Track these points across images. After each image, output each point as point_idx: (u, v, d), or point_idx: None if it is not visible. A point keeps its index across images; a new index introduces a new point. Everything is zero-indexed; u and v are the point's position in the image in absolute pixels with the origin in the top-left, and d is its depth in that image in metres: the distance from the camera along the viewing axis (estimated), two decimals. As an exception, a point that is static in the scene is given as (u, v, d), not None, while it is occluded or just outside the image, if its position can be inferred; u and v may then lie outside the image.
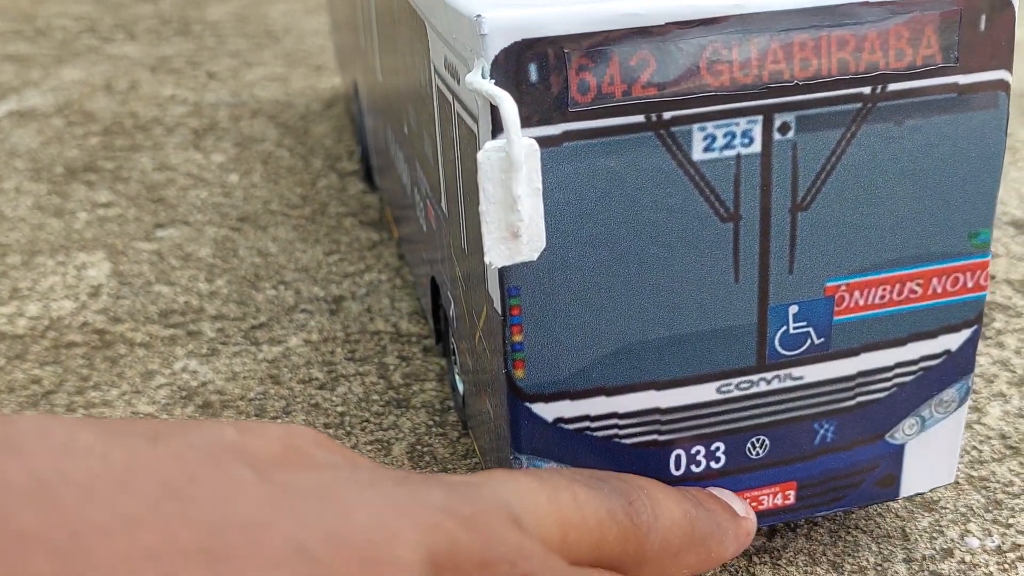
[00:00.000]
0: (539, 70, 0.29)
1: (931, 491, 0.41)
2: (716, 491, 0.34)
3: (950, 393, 0.36)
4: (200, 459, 0.22)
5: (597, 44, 0.29)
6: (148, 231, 0.70)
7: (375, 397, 0.50)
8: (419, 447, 0.46)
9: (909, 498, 0.41)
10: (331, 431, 0.47)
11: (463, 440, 0.46)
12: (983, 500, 0.41)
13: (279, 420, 0.48)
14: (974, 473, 0.43)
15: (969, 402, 0.48)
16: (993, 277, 0.60)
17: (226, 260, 0.65)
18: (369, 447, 0.46)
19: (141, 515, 0.20)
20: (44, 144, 0.89)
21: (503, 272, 0.31)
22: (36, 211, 0.75)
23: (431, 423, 0.48)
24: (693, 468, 0.35)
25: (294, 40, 1.25)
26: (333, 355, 0.54)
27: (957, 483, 0.42)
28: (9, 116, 0.98)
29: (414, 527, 0.23)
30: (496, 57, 0.28)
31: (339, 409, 0.49)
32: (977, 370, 0.51)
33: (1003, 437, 0.45)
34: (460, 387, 0.46)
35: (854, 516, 0.41)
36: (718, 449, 0.35)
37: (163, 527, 0.20)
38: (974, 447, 0.45)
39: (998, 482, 0.42)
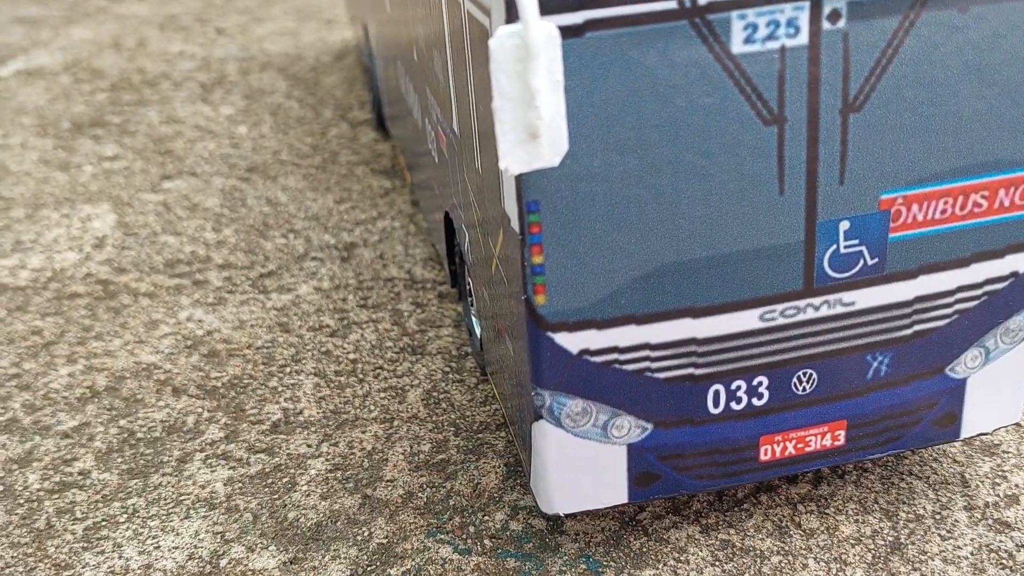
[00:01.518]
0: (558, -51, 0.25)
1: (993, 432, 0.38)
2: None
3: (1017, 321, 0.33)
4: None
5: (623, -81, 0.25)
6: (155, 183, 0.68)
7: (389, 344, 0.47)
8: (435, 393, 0.43)
9: (967, 441, 0.38)
10: (343, 378, 0.44)
11: (482, 386, 0.43)
12: (1048, 442, 0.38)
13: (288, 368, 0.45)
14: (1037, 414, 0.40)
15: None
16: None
17: (234, 210, 0.63)
18: (383, 394, 0.43)
19: None
20: (51, 101, 0.87)
21: (521, 185, 0.28)
22: (41, 165, 0.72)
23: (447, 369, 0.45)
24: (733, 405, 0.32)
25: (306, -4, 1.21)
26: (345, 302, 0.51)
27: (1019, 425, 0.39)
28: (16, 75, 0.95)
29: None
30: (509, -66, 0.25)
31: (351, 356, 0.46)
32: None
33: (1067, 376, 0.42)
34: (477, 330, 0.43)
35: (907, 461, 0.37)
36: (760, 384, 0.32)
37: None
38: (1036, 387, 0.41)
39: (1064, 423, 0.39)
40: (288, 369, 0.45)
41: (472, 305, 0.43)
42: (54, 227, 0.62)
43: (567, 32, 0.26)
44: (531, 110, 0.25)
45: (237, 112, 0.81)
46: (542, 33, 0.24)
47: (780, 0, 0.27)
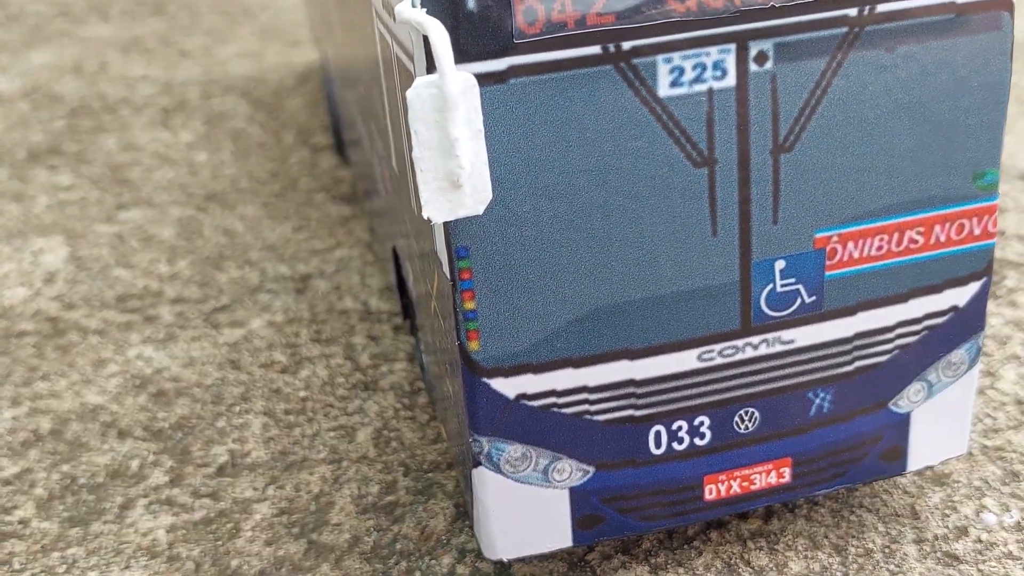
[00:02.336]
0: (478, -4, 0.25)
1: (942, 464, 0.38)
2: None
3: (959, 354, 0.33)
4: None
5: (544, -36, 0.25)
6: (110, 213, 0.67)
7: (340, 380, 0.46)
8: (385, 432, 0.42)
9: (918, 472, 0.38)
10: (292, 417, 0.44)
11: (433, 423, 0.43)
12: (999, 472, 0.38)
13: (236, 407, 0.45)
14: (988, 443, 0.39)
15: (980, 365, 0.44)
16: (1003, 233, 0.56)
17: (189, 241, 0.62)
18: (332, 433, 0.43)
19: None
20: (8, 129, 0.86)
21: (450, 231, 0.27)
22: (-6, 197, 0.71)
23: (399, 406, 0.44)
24: (675, 445, 0.31)
25: (271, 16, 1.21)
26: (298, 336, 0.50)
27: (970, 454, 0.39)
28: (-26, 102, 0.94)
29: None
30: (426, -19, 0.25)
31: (301, 394, 0.46)
32: (989, 331, 0.47)
33: (1019, 403, 0.42)
34: (426, 366, 0.42)
35: (858, 494, 0.37)
36: (702, 424, 0.31)
37: None
38: (987, 414, 0.41)
39: (1015, 451, 0.39)
40: (237, 408, 0.45)
41: (421, 342, 0.43)
42: (5, 262, 0.61)
43: (490, 79, 0.26)
44: (452, 159, 0.25)
45: (197, 138, 0.80)
46: (459, 83, 0.24)
47: (706, 43, 0.27)
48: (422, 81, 0.24)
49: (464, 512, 0.38)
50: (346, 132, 0.68)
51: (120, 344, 0.51)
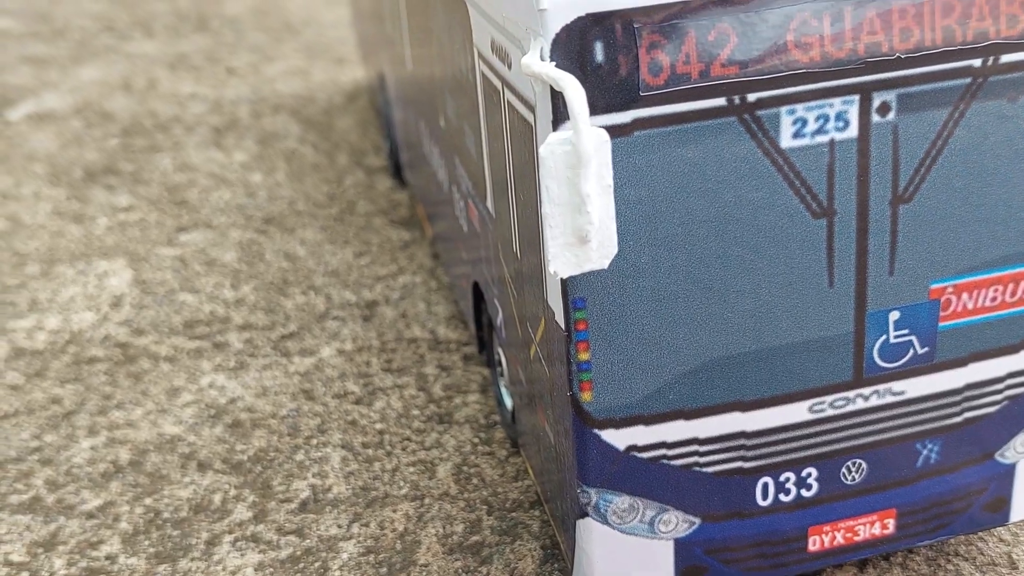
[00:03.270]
0: (606, 49, 0.25)
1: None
2: None
3: (1069, 404, 0.32)
4: None
5: (671, 17, 0.25)
6: (170, 235, 0.67)
7: (415, 412, 0.46)
8: (465, 468, 0.42)
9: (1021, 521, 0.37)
10: (370, 451, 0.44)
11: (512, 459, 0.43)
12: (1096, 518, 0.37)
13: (314, 440, 0.45)
14: (1082, 487, 0.39)
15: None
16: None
17: (252, 265, 0.62)
18: (412, 468, 0.42)
19: None
20: (63, 147, 0.86)
21: (567, 282, 0.27)
22: (55, 217, 0.72)
23: (476, 440, 0.44)
24: (782, 497, 0.31)
25: (314, 32, 1.21)
26: (369, 366, 0.50)
27: (1064, 499, 0.38)
28: (27, 119, 0.95)
29: None
30: (557, 35, 0.25)
31: (378, 427, 0.45)
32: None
33: (1110, 445, 0.41)
34: (508, 402, 0.42)
35: (953, 542, 0.37)
36: (810, 475, 0.31)
37: None
38: (1079, 457, 0.40)
39: (1111, 497, 0.38)
40: (314, 441, 0.45)
41: (502, 375, 0.42)
42: (70, 284, 0.61)
43: (615, 131, 0.26)
44: (582, 215, 0.24)
45: (251, 158, 0.81)
46: (594, 139, 0.24)
47: (829, 94, 0.27)
48: (555, 138, 0.24)
49: (553, 554, 0.37)
50: (404, 154, 0.68)
51: (192, 372, 0.51)
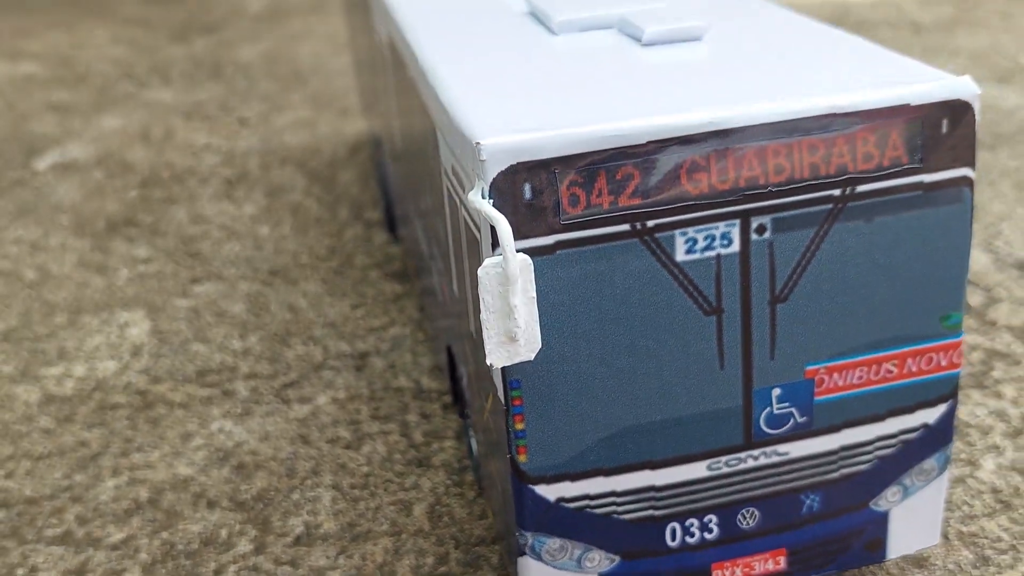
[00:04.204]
0: (533, 189, 0.32)
1: (920, 551, 0.43)
2: None
3: (930, 463, 0.39)
4: None
5: (585, 164, 0.32)
6: (185, 287, 0.74)
7: (397, 456, 0.53)
8: (438, 507, 0.49)
9: (900, 557, 0.43)
10: (356, 491, 0.50)
11: (479, 500, 0.49)
12: (972, 556, 0.43)
13: (308, 481, 0.51)
14: (964, 528, 0.45)
15: (963, 455, 0.50)
16: (994, 323, 0.62)
17: (258, 316, 0.69)
18: (392, 507, 0.49)
19: None
20: (86, 198, 0.94)
21: (505, 367, 0.34)
22: (80, 268, 0.79)
23: (449, 483, 0.51)
24: (688, 539, 0.37)
25: (321, 81, 1.29)
26: (359, 413, 0.57)
27: (947, 539, 0.45)
28: (53, 168, 1.03)
29: None
30: (495, 179, 0.31)
31: (364, 469, 0.52)
32: (973, 421, 0.53)
33: (995, 491, 0.47)
34: (474, 448, 0.49)
35: (848, 575, 0.43)
36: (711, 521, 0.37)
37: None
38: (966, 502, 0.47)
39: (987, 538, 0.44)
40: (308, 482, 0.51)
41: (471, 427, 0.49)
42: (95, 334, 0.68)
43: (542, 251, 0.32)
44: (510, 320, 0.31)
45: (259, 211, 0.88)
46: (518, 263, 0.31)
47: (715, 219, 0.33)
48: (490, 262, 0.31)
49: (508, 583, 0.44)
50: (397, 209, 0.75)
51: (203, 418, 0.58)
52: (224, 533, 0.48)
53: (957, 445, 0.51)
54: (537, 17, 0.47)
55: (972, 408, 0.54)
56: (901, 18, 1.45)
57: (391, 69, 0.57)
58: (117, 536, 0.49)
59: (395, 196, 0.74)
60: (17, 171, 1.03)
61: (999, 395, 0.55)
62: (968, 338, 0.61)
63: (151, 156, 1.04)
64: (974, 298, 0.65)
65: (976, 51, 1.25)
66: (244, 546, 0.47)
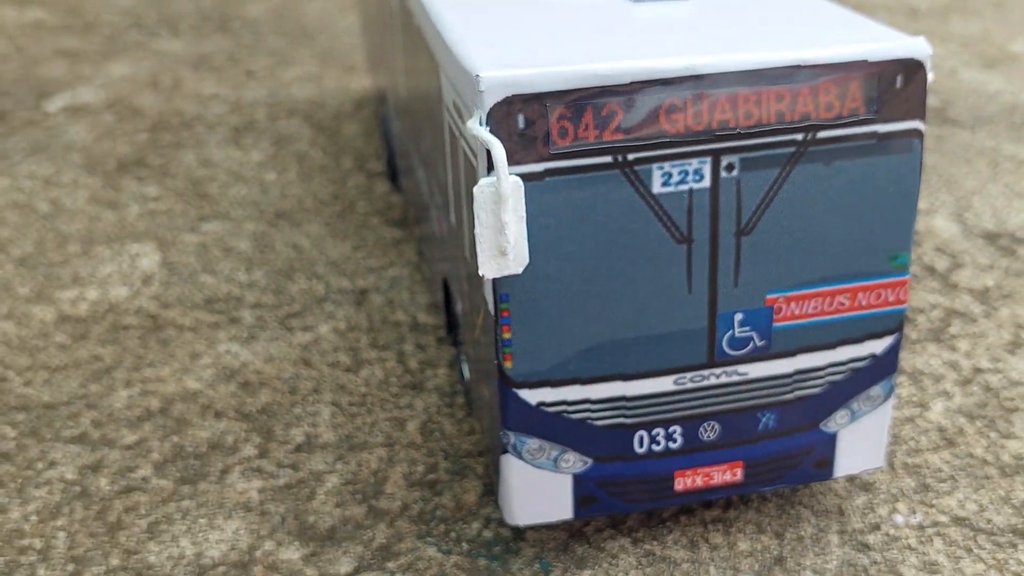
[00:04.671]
0: (526, 120, 0.35)
1: (868, 474, 0.47)
2: None
3: (876, 390, 0.43)
4: None
5: (574, 99, 0.35)
6: (193, 224, 0.78)
7: (393, 380, 0.57)
8: (430, 424, 0.53)
9: (849, 480, 0.48)
10: (354, 408, 0.54)
11: (468, 420, 0.53)
12: (914, 484, 0.48)
13: (309, 398, 0.55)
14: (909, 460, 0.49)
15: (914, 398, 0.54)
16: (955, 286, 0.66)
17: (263, 253, 0.73)
18: (387, 423, 0.53)
19: None
20: (97, 139, 0.97)
21: (495, 281, 0.38)
22: (92, 203, 0.82)
23: (441, 404, 0.55)
24: (654, 447, 0.41)
25: (328, 39, 1.32)
26: (358, 342, 0.61)
27: (893, 468, 0.49)
28: (64, 111, 1.06)
29: None
30: (491, 109, 0.35)
31: (362, 390, 0.56)
32: (927, 370, 0.57)
33: (940, 430, 0.52)
34: (466, 374, 0.53)
35: (799, 493, 0.47)
36: (675, 432, 0.41)
37: None
38: (912, 438, 0.51)
39: (929, 468, 0.49)
40: (310, 399, 0.55)
41: (463, 354, 0.53)
42: (107, 263, 0.72)
43: (532, 177, 0.36)
44: (502, 236, 0.35)
45: (266, 158, 0.91)
46: (510, 184, 0.34)
47: (689, 156, 0.37)
48: (485, 182, 0.34)
49: (490, 490, 0.48)
50: (399, 162, 0.79)
51: (210, 340, 0.62)
52: (230, 439, 0.52)
53: (909, 389, 0.55)
54: (538, -27, 0.50)
55: (927, 359, 0.58)
56: (899, 3, 1.48)
57: (399, 25, 0.61)
58: (130, 438, 0.52)
59: (397, 149, 0.78)
60: (29, 112, 1.06)
61: (953, 348, 0.59)
62: (930, 297, 0.65)
63: (160, 103, 1.08)
64: (940, 263, 0.69)
65: (967, 37, 1.28)
66: (249, 451, 0.51)
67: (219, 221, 0.78)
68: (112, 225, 0.78)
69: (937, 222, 0.76)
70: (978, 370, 0.57)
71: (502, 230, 0.35)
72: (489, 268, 0.35)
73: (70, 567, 0.44)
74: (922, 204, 0.79)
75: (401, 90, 0.67)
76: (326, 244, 0.74)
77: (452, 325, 0.56)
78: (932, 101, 1.04)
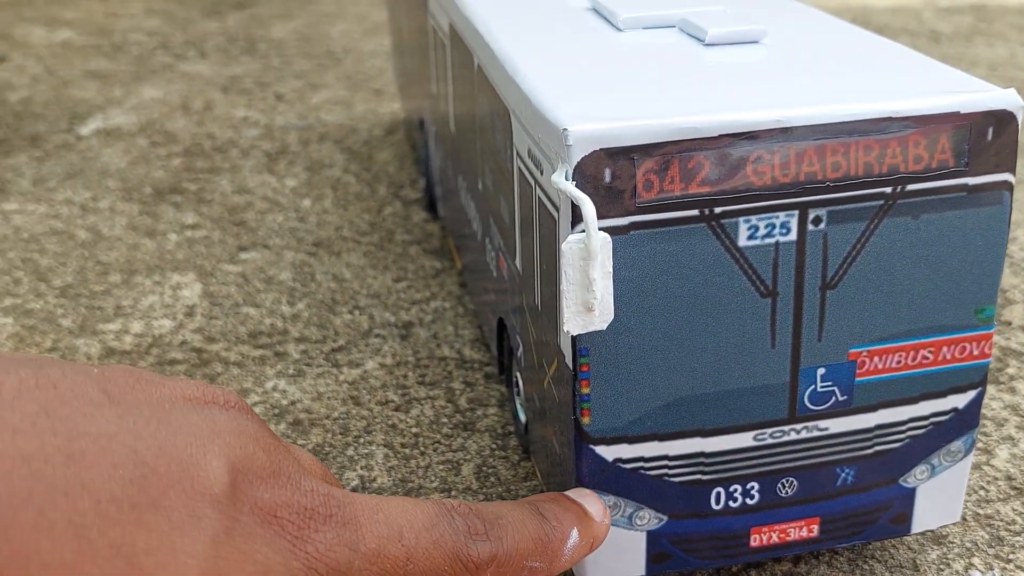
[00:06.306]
0: (613, 174, 0.35)
1: (940, 528, 0.46)
2: (576, 493, 0.39)
3: (957, 444, 0.42)
4: (70, 386, 0.28)
5: (661, 153, 0.35)
6: (232, 253, 0.77)
7: (444, 420, 0.56)
8: (485, 468, 0.52)
9: (921, 533, 0.47)
10: (407, 450, 0.53)
11: (523, 463, 0.52)
12: (987, 536, 0.47)
13: (361, 439, 0.55)
14: (980, 511, 0.48)
15: (979, 444, 0.53)
16: (1009, 324, 0.65)
17: (305, 284, 0.72)
18: (441, 466, 0.52)
19: (21, 426, 0.26)
20: (131, 164, 0.96)
21: (576, 335, 0.37)
22: (131, 231, 0.82)
23: (494, 446, 0.54)
24: (731, 503, 0.40)
25: (354, 62, 1.32)
26: (406, 379, 0.60)
27: (964, 520, 0.48)
28: (97, 134, 1.05)
29: (223, 444, 0.30)
30: (579, 163, 0.34)
31: (414, 430, 0.55)
32: (988, 414, 0.56)
33: (1009, 478, 0.50)
34: (522, 416, 0.52)
35: (870, 547, 0.46)
36: (753, 488, 0.40)
37: (36, 436, 0.26)
38: (982, 487, 0.50)
39: (1002, 520, 0.48)
40: (362, 440, 0.54)
41: (519, 395, 0.52)
42: (148, 294, 0.71)
43: (618, 230, 0.35)
44: (589, 292, 0.34)
45: (300, 184, 0.91)
46: (600, 241, 0.34)
47: (776, 209, 0.36)
48: (573, 238, 0.34)
49: (553, 540, 0.47)
50: (439, 189, 0.78)
51: (258, 377, 0.61)
52: (285, 483, 0.51)
53: (974, 435, 0.54)
54: (600, 14, 0.50)
55: (988, 401, 0.57)
56: (921, 27, 1.47)
57: (450, 55, 0.60)
58: (184, 482, 0.52)
59: (438, 176, 0.77)
60: (62, 135, 1.05)
61: (1013, 390, 0.58)
62: (986, 336, 0.64)
63: (192, 126, 1.07)
64: (992, 299, 0.68)
65: (994, 62, 1.27)
66: (304, 496, 0.50)
67: (258, 250, 0.78)
68: (151, 254, 0.77)
69: (986, 257, 0.75)
70: (1041, 414, 0.56)
71: (589, 287, 0.34)
72: (575, 324, 0.35)
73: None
74: (969, 237, 0.78)
75: (446, 120, 0.66)
76: (367, 275, 0.73)
77: (505, 365, 0.55)
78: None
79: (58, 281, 0.73)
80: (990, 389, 0.58)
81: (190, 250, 0.78)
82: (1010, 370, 0.60)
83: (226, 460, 0.29)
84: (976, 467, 0.51)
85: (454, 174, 0.66)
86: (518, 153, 0.42)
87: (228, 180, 0.92)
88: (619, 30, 0.47)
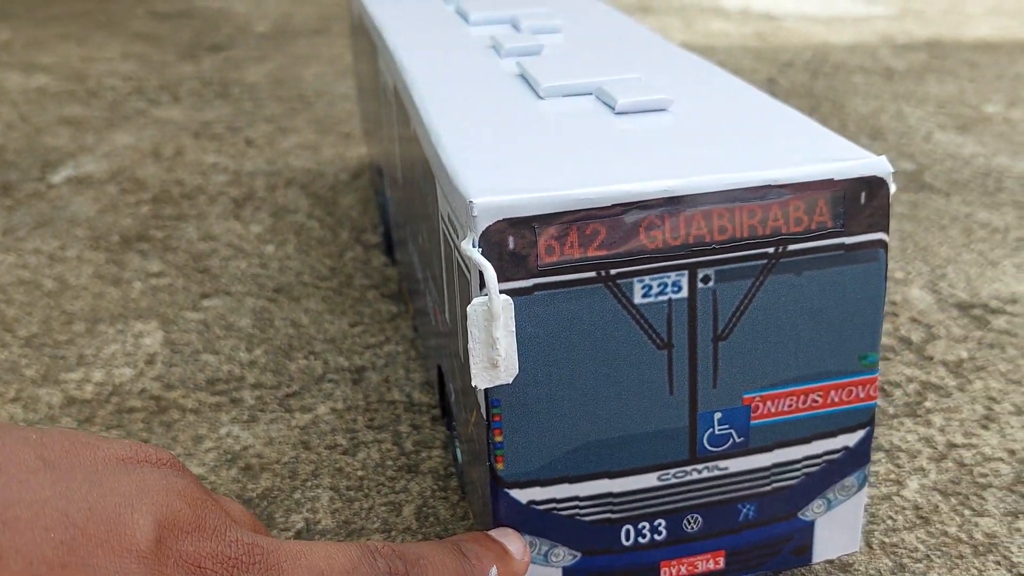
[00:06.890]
0: (516, 241, 0.38)
1: (846, 556, 0.49)
2: (498, 532, 0.42)
3: (850, 480, 0.45)
4: (9, 454, 0.31)
5: (560, 222, 0.38)
6: (195, 301, 0.80)
7: (389, 463, 0.59)
8: (425, 509, 0.55)
9: (828, 561, 0.50)
10: (352, 492, 0.56)
11: (462, 504, 0.55)
12: (891, 564, 0.50)
13: (309, 482, 0.57)
14: (887, 540, 0.51)
15: (891, 476, 0.56)
16: (931, 358, 0.68)
17: (263, 330, 0.75)
18: (384, 508, 0.55)
19: None
20: (100, 212, 1.00)
21: (487, 388, 0.40)
22: (96, 280, 0.85)
23: (436, 487, 0.57)
24: (640, 540, 0.44)
25: (325, 105, 1.35)
26: (355, 423, 0.63)
27: (871, 547, 0.51)
28: (68, 182, 1.09)
29: (150, 501, 0.32)
30: (484, 232, 0.38)
31: (359, 473, 0.58)
32: (903, 446, 0.59)
33: (916, 508, 0.54)
34: (459, 457, 0.55)
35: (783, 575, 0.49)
36: (660, 525, 0.43)
37: None
38: (890, 516, 0.53)
39: (905, 548, 0.51)
40: (309, 483, 0.57)
41: (457, 437, 0.55)
42: (111, 343, 0.74)
43: (522, 292, 0.39)
44: (493, 350, 0.37)
45: (265, 230, 0.94)
46: (501, 303, 0.37)
47: (667, 270, 0.40)
48: (478, 301, 0.37)
49: (485, 576, 0.50)
50: (395, 234, 0.81)
51: (213, 423, 0.64)
52: (234, 526, 0.54)
53: (887, 466, 0.57)
54: (527, 80, 0.53)
55: (904, 434, 0.60)
56: (876, 64, 1.52)
57: (395, 112, 0.64)
58: (138, 526, 0.54)
59: (393, 222, 0.81)
60: (33, 183, 1.08)
61: (929, 423, 0.61)
62: (907, 370, 0.67)
63: (161, 172, 1.10)
64: (916, 334, 0.72)
65: (943, 99, 1.32)
66: (252, 538, 0.53)
67: (220, 297, 0.81)
68: (116, 303, 0.80)
69: (912, 292, 0.78)
70: (952, 445, 0.59)
71: (493, 345, 0.37)
72: (481, 380, 0.38)
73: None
74: (898, 274, 0.82)
75: (396, 169, 0.69)
76: (324, 320, 0.76)
77: (446, 409, 0.58)
78: (907, 166, 1.07)
79: (23, 331, 0.76)
80: (907, 423, 0.61)
81: (154, 298, 0.81)
82: (928, 403, 0.63)
83: (152, 517, 0.32)
84: (886, 497, 0.55)
85: (404, 222, 0.69)
86: (442, 216, 0.46)
87: (194, 227, 0.95)
88: (540, 97, 0.50)
